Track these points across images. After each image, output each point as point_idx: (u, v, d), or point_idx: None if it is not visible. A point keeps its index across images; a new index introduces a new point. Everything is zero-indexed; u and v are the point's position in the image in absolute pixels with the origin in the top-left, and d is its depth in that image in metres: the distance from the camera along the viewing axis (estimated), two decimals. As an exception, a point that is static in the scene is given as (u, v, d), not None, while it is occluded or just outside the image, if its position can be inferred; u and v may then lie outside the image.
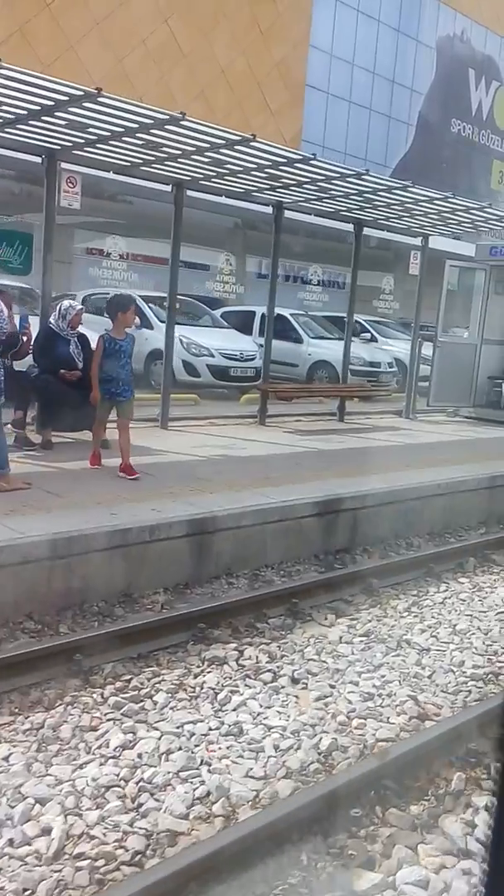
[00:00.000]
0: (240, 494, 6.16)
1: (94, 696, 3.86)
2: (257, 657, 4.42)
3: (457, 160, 30.41)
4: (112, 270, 12.11)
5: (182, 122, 6.89)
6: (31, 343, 7.30)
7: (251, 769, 3.32)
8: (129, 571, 5.13)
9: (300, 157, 8.07)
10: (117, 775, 3.20)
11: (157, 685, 4.01)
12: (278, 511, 5.98)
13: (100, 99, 6.42)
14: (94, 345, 7.10)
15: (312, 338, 15.29)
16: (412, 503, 7.05)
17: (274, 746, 3.50)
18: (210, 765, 3.34)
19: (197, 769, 3.30)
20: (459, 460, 8.55)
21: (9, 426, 6.94)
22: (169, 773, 3.25)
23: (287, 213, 10.21)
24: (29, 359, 7.63)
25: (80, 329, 7.77)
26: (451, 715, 3.89)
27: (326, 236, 13.69)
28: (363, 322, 17.58)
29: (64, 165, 8.05)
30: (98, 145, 7.75)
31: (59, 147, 7.84)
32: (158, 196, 12.72)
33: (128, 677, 4.08)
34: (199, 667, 4.27)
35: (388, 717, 3.86)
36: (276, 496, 6.18)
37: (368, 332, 17.49)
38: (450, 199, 9.52)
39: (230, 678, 4.15)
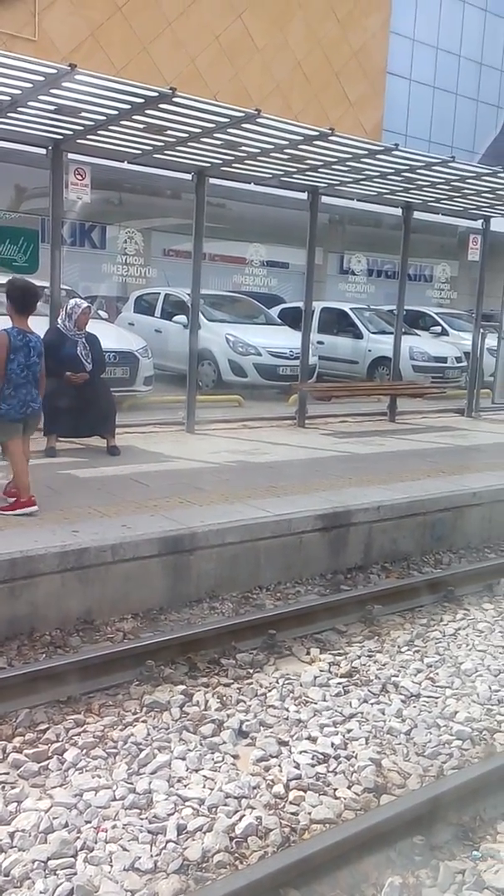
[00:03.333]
0: (232, 507, 5.53)
1: (-6, 750, 3.32)
2: (206, 703, 3.79)
3: None
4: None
5: (258, 120, 6.63)
6: None
7: (138, 859, 2.71)
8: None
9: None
10: (-30, 863, 2.65)
11: (73, 738, 3.44)
12: (271, 526, 5.32)
13: (175, 99, 6.16)
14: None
15: (373, 333, 14.42)
16: (440, 515, 6.25)
17: (178, 827, 2.87)
18: (91, 850, 2.75)
19: (72, 857, 2.71)
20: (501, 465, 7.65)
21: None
22: (35, 861, 2.67)
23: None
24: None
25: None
26: (416, 788, 3.16)
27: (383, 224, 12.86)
28: (433, 314, 16.61)
29: (70, 156, 7.63)
30: (177, 147, 7.52)
31: (137, 151, 7.75)
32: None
33: (44, 726, 3.53)
34: (134, 714, 3.68)
35: (336, 789, 3.16)
36: (273, 509, 5.52)
37: (439, 325, 16.50)
38: None
39: (165, 730, 3.54)
